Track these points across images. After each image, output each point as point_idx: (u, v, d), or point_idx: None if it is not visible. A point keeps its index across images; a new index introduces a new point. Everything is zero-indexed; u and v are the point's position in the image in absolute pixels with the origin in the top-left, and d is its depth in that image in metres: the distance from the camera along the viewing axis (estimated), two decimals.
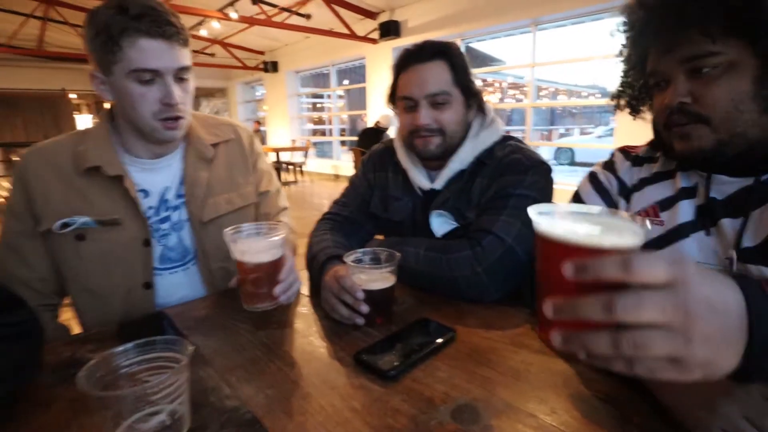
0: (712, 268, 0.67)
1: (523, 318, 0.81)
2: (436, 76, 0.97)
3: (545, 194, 0.96)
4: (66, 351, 0.72)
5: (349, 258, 0.79)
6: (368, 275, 0.78)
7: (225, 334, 0.77)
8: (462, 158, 1.01)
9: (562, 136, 18.33)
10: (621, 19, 0.75)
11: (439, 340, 0.70)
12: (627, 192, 0.83)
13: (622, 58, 0.80)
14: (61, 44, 10.57)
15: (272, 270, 0.76)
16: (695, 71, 0.64)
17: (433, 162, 1.05)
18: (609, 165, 0.89)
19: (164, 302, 0.99)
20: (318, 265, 0.92)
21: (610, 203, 0.84)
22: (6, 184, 2.96)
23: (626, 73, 0.80)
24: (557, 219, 0.50)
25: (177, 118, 0.92)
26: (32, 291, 0.93)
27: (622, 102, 0.83)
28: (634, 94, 0.80)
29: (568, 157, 12.65)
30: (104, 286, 0.94)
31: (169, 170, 1.01)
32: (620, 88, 0.83)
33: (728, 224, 0.67)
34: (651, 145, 0.86)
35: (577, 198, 0.89)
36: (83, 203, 0.92)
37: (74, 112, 14.21)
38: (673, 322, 0.33)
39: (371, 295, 0.76)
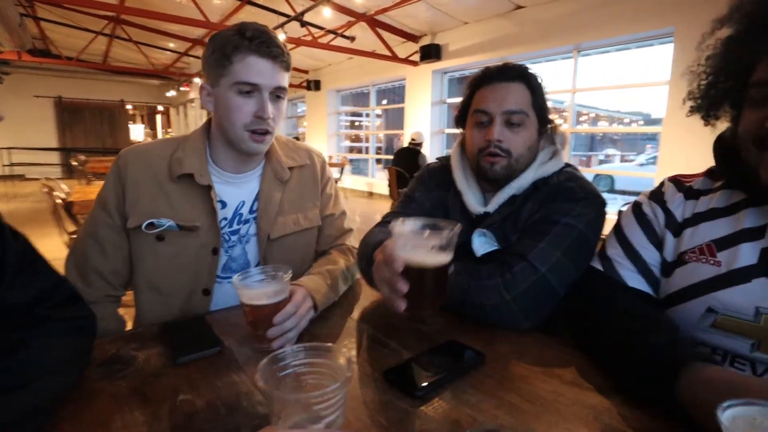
0: None
1: (557, 347, 0.79)
2: (515, 95, 0.96)
3: (594, 228, 0.91)
4: (111, 348, 0.77)
5: (398, 225, 0.66)
6: (416, 245, 0.65)
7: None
8: (519, 184, 0.98)
9: (602, 162, 17.80)
10: (730, 8, 0.66)
11: (469, 363, 0.69)
12: (677, 226, 0.78)
13: (710, 53, 0.71)
14: (123, 59, 11.44)
15: (270, 314, 0.75)
16: None
17: (491, 184, 1.03)
18: (657, 195, 0.83)
19: (217, 309, 1.03)
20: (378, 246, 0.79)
21: (653, 237, 0.79)
22: (65, 187, 3.19)
23: (713, 75, 0.71)
24: None
25: (265, 132, 0.98)
26: (103, 281, 1.01)
27: (693, 104, 0.75)
28: (712, 99, 0.72)
29: (608, 184, 12.21)
30: (170, 287, 1.02)
31: (248, 186, 1.08)
32: (699, 90, 0.74)
33: None
34: (709, 174, 0.80)
35: (617, 227, 0.86)
36: (168, 207, 1.00)
37: (129, 122, 15.16)
38: None
39: (415, 271, 0.64)
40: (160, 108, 17.45)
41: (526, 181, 0.98)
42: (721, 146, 0.76)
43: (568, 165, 1.03)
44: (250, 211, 1.08)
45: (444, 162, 1.15)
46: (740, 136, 0.67)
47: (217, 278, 1.05)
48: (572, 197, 0.93)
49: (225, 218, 1.05)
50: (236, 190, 1.07)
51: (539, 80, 0.99)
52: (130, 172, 1.00)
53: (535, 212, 0.95)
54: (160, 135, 18.46)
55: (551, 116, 1.03)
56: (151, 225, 0.98)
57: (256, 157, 1.07)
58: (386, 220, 1.11)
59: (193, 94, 12.86)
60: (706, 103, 0.73)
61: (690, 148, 4.49)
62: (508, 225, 0.98)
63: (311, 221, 1.15)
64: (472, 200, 1.03)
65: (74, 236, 2.82)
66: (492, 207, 1.00)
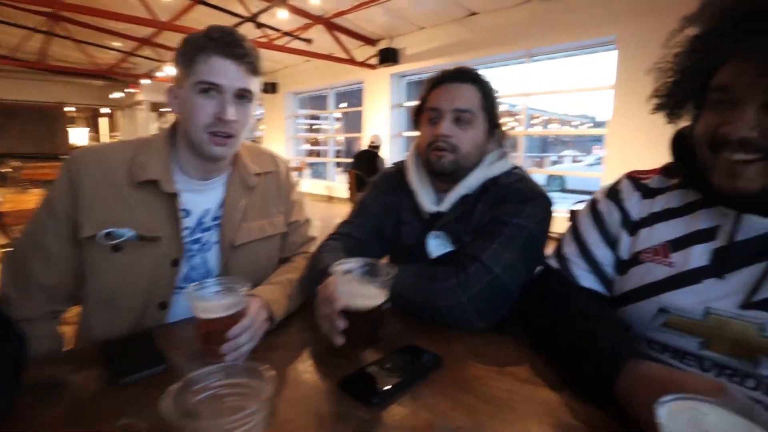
0: (723, 316, 0.64)
1: (511, 346, 0.81)
2: (465, 95, 1.01)
3: (542, 227, 0.96)
4: (44, 371, 0.71)
5: (339, 267, 0.72)
6: (354, 288, 0.71)
7: None
8: (469, 184, 1.02)
9: (554, 163, 18.63)
10: (700, 6, 0.65)
11: (426, 367, 0.69)
12: (632, 225, 0.78)
13: (678, 50, 0.70)
14: (64, 58, 10.70)
15: (224, 327, 0.72)
16: None
17: (442, 184, 1.06)
18: (613, 193, 0.84)
19: (169, 323, 0.98)
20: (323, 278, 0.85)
21: (607, 236, 0.81)
22: None
23: (679, 73, 0.70)
24: None
25: (227, 136, 0.93)
26: (45, 295, 0.92)
27: (658, 102, 0.74)
28: (678, 97, 0.72)
29: (559, 184, 12.81)
30: (125, 300, 0.94)
31: (213, 193, 1.03)
32: (664, 88, 0.73)
33: (749, 270, 0.63)
34: (665, 171, 0.81)
35: (574, 225, 0.87)
36: (128, 215, 0.92)
37: (68, 125, 14.22)
38: None
39: (353, 311, 0.70)
40: (105, 110, 16.50)
41: (476, 180, 1.02)
42: (679, 143, 0.76)
43: (516, 167, 1.07)
44: (213, 219, 1.03)
45: (399, 166, 1.18)
46: (696, 137, 0.68)
47: (176, 290, 0.98)
48: (521, 198, 0.96)
49: (188, 227, 0.99)
50: (201, 198, 1.01)
51: (491, 86, 1.04)
52: (85, 176, 0.92)
53: (486, 213, 0.98)
54: (104, 139, 17.47)
55: (503, 121, 1.07)
56: (109, 235, 0.90)
57: (222, 163, 1.02)
58: (340, 231, 1.12)
59: (142, 96, 12.26)
60: (671, 101, 0.73)
61: (634, 149, 4.79)
62: (461, 226, 1.01)
63: (276, 228, 1.12)
64: (426, 199, 1.06)
65: (6, 249, 2.59)
66: (444, 206, 1.03)
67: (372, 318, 0.72)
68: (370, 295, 0.71)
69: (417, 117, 1.11)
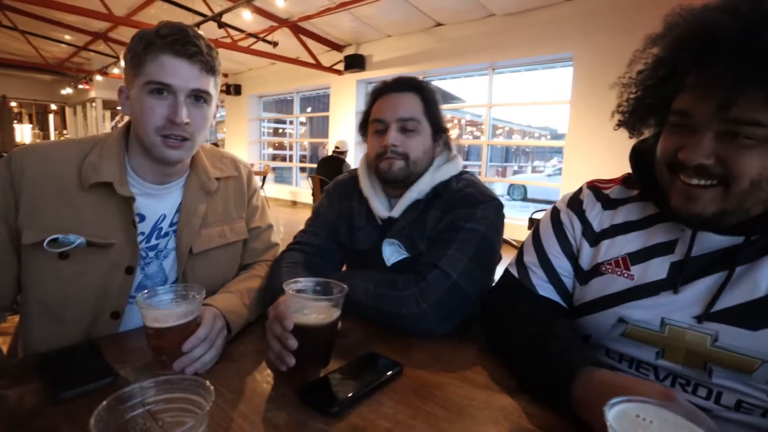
0: (679, 327, 0.66)
1: (471, 353, 0.82)
2: (408, 104, 1.03)
3: (495, 230, 0.98)
4: None
5: (290, 286, 0.70)
6: (306, 306, 0.69)
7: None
8: (420, 188, 1.04)
9: (516, 172, 19.24)
10: (664, 27, 0.66)
11: (386, 375, 0.69)
12: (594, 236, 0.80)
13: (641, 68, 0.70)
14: (7, 49, 10.01)
15: (177, 337, 0.69)
16: (730, 134, 0.58)
17: (394, 190, 1.07)
18: (575, 204, 0.84)
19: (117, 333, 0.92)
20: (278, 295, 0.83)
21: (568, 247, 0.82)
22: None
23: (641, 90, 0.71)
24: None
25: (181, 139, 0.88)
26: None
27: (621, 119, 0.75)
28: (640, 114, 0.72)
29: (521, 193, 13.25)
30: (72, 311, 0.87)
31: (169, 197, 0.98)
32: (627, 104, 0.74)
33: (705, 282, 0.65)
34: (625, 182, 0.82)
35: (535, 233, 0.88)
36: (76, 220, 0.86)
37: (14, 121, 13.29)
38: None
39: (305, 330, 0.67)
40: (54, 107, 15.56)
41: (426, 185, 1.04)
42: (637, 157, 0.77)
43: (466, 172, 1.10)
44: (170, 224, 0.98)
45: (352, 173, 1.19)
46: (657, 156, 0.68)
47: (130, 299, 0.93)
48: (472, 202, 0.99)
49: (143, 233, 0.94)
50: (156, 203, 0.96)
51: (432, 92, 1.07)
52: (27, 177, 0.84)
53: (440, 219, 1.00)
54: (53, 136, 16.44)
55: (449, 125, 1.10)
56: (55, 241, 0.83)
57: (179, 167, 0.97)
58: (299, 241, 1.12)
59: (94, 93, 11.64)
60: (633, 117, 0.73)
61: (589, 161, 5.03)
62: (415, 232, 1.03)
63: (238, 234, 1.08)
64: (378, 205, 1.07)
65: None
66: (396, 212, 1.05)
67: (324, 336, 0.70)
68: (322, 313, 0.69)
69: (363, 128, 1.13)
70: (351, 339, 0.85)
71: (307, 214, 1.27)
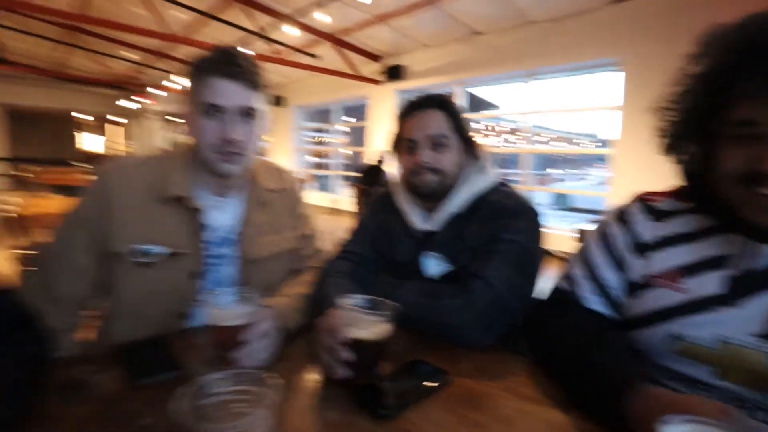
0: (740, 345, 0.64)
1: (517, 365, 0.82)
2: (436, 121, 1.06)
3: (533, 239, 0.99)
4: (67, 371, 0.73)
5: (344, 301, 0.74)
6: (359, 321, 0.72)
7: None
8: (456, 202, 1.05)
9: (557, 180, 18.67)
10: (704, 45, 0.67)
11: (433, 383, 0.71)
12: (643, 248, 0.78)
13: (680, 89, 0.70)
14: (79, 67, 10.93)
15: (237, 336, 0.74)
16: None
17: (430, 203, 1.10)
18: (622, 216, 0.83)
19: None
20: (320, 312, 0.85)
21: (616, 259, 0.80)
22: (16, 199, 2.97)
23: (684, 112, 0.71)
24: None
25: (235, 154, 0.95)
26: (68, 306, 0.95)
27: (666, 141, 0.74)
28: (683, 136, 0.72)
29: (563, 203, 12.83)
30: (148, 312, 0.96)
31: (231, 208, 1.06)
32: (670, 127, 0.73)
33: (764, 298, 0.63)
34: (676, 195, 0.80)
35: (583, 247, 0.87)
36: (156, 230, 0.95)
37: (82, 132, 14.40)
38: None
39: (356, 343, 0.70)
40: (114, 118, 16.71)
41: (463, 198, 1.06)
42: (690, 178, 0.76)
43: (503, 183, 1.11)
44: (233, 234, 1.06)
45: (390, 188, 1.22)
46: (722, 174, 0.65)
47: (195, 302, 1.01)
48: (509, 214, 1.00)
49: (208, 242, 1.02)
50: (219, 214, 1.04)
51: (457, 107, 1.09)
52: (116, 192, 0.94)
53: (479, 232, 1.02)
54: (118, 146, 17.62)
55: (477, 137, 1.12)
56: (139, 251, 0.93)
57: (237, 180, 1.05)
58: (345, 249, 1.15)
59: (154, 106, 12.42)
60: (675, 140, 0.73)
61: (641, 170, 4.80)
62: (455, 245, 1.04)
63: (290, 242, 1.15)
64: (415, 218, 1.10)
65: (23, 252, 2.62)
66: (435, 225, 1.07)
67: (374, 351, 0.72)
68: (374, 329, 0.72)
69: (394, 147, 1.16)
70: (397, 346, 0.88)
71: (346, 221, 1.32)
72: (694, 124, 0.69)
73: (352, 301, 0.75)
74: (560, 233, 5.19)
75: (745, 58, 0.60)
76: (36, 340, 0.67)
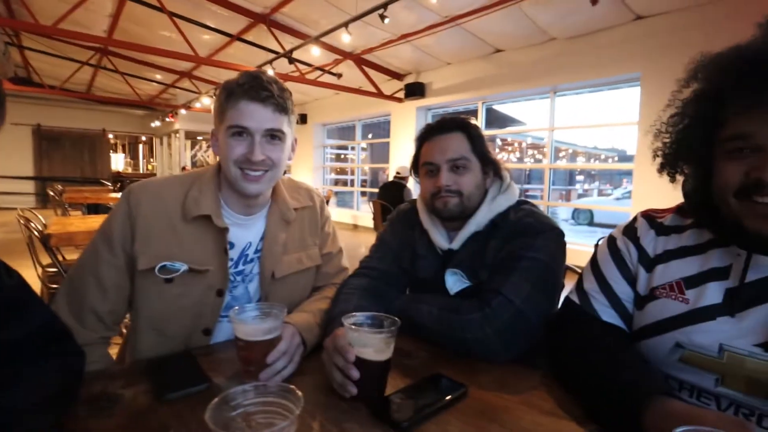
0: (739, 354, 0.65)
1: (536, 379, 0.82)
2: (455, 144, 1.07)
3: (555, 258, 0.99)
4: (97, 384, 0.76)
5: (347, 320, 0.75)
6: (365, 341, 0.73)
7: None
8: (478, 221, 1.06)
9: (580, 196, 18.33)
10: (693, 68, 0.70)
11: (452, 396, 0.72)
12: (649, 262, 0.81)
13: (673, 112, 0.74)
14: (108, 89, 11.47)
15: (262, 350, 0.77)
16: None
17: (452, 223, 1.11)
18: (630, 231, 0.86)
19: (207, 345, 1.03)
20: (332, 329, 0.88)
21: (627, 272, 0.83)
22: (41, 218, 3.13)
23: (677, 133, 0.74)
24: None
25: (260, 175, 0.99)
26: (100, 322, 0.97)
27: (662, 161, 0.78)
28: (678, 156, 0.75)
29: (587, 218, 12.59)
30: (174, 328, 1.00)
31: (254, 227, 1.09)
32: (665, 148, 0.76)
33: (763, 309, 0.65)
34: (679, 211, 0.83)
35: (594, 261, 0.89)
36: (180, 248, 0.98)
37: (110, 152, 15.02)
38: None
39: (366, 362, 0.72)
40: (143, 138, 17.40)
41: (484, 217, 1.07)
42: (690, 198, 0.79)
43: (525, 202, 1.11)
44: (255, 251, 1.09)
45: (413, 204, 1.24)
46: (719, 189, 0.68)
47: (219, 318, 1.04)
48: (532, 232, 1.00)
49: (232, 259, 1.05)
50: (244, 232, 1.07)
51: (476, 128, 1.10)
52: (142, 211, 0.98)
53: (500, 249, 1.02)
54: (141, 165, 18.32)
55: (500, 153, 1.12)
56: (164, 268, 0.97)
57: (261, 199, 1.07)
58: (364, 266, 1.17)
59: (178, 125, 12.88)
60: (671, 160, 0.76)
61: (662, 183, 4.70)
62: (475, 262, 1.05)
63: (313, 260, 1.17)
64: (438, 237, 1.11)
65: (49, 269, 2.74)
66: (456, 244, 1.08)
67: (382, 367, 0.74)
68: (380, 346, 0.73)
69: (415, 169, 1.18)
70: (416, 360, 0.89)
71: (367, 237, 1.34)
72: (687, 146, 0.72)
73: (354, 319, 0.77)
74: (584, 249, 5.10)
75: (733, 76, 0.62)
76: (73, 354, 0.70)
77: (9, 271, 0.66)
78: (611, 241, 0.88)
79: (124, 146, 18.26)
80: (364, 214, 9.75)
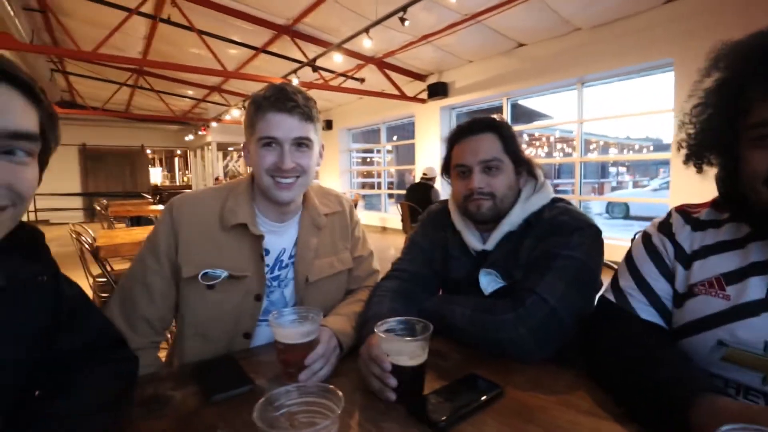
0: None
1: (571, 378, 0.82)
2: (487, 145, 1.06)
3: (591, 256, 0.97)
4: (149, 387, 0.82)
5: (380, 328, 0.76)
6: (400, 348, 0.74)
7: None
8: (512, 221, 1.06)
9: (614, 189, 17.71)
10: (714, 58, 0.70)
11: (487, 396, 0.73)
12: (686, 258, 0.79)
13: (696, 102, 0.73)
14: (144, 107, 12.03)
15: (300, 352, 0.81)
16: None
17: (485, 224, 1.10)
18: (665, 227, 0.85)
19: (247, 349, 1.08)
20: (367, 332, 0.90)
21: (664, 269, 0.81)
22: (90, 231, 3.32)
23: (702, 123, 0.73)
24: None
25: (290, 180, 1.02)
26: (151, 328, 1.04)
27: (687, 152, 0.77)
28: (704, 147, 0.74)
29: (622, 211, 12.13)
30: (216, 333, 1.05)
31: (288, 234, 1.14)
32: (690, 139, 0.75)
33: None
34: (714, 205, 0.82)
35: (629, 258, 0.87)
36: (220, 256, 1.04)
37: (149, 166, 15.73)
38: None
39: (400, 371, 0.73)
40: (178, 152, 18.11)
41: (518, 216, 1.06)
42: (722, 187, 0.77)
43: (559, 200, 1.09)
44: (289, 257, 1.13)
45: (444, 204, 1.24)
46: (747, 177, 0.66)
47: (258, 322, 1.09)
48: (567, 230, 0.99)
49: (267, 265, 1.09)
50: (278, 239, 1.12)
51: (508, 128, 1.09)
52: (184, 222, 1.03)
53: (534, 248, 1.01)
54: (177, 177, 19.06)
55: (529, 148, 1.11)
56: (206, 275, 1.02)
57: (293, 206, 1.11)
58: (395, 268, 1.18)
59: (210, 138, 13.34)
60: (696, 151, 0.75)
61: (703, 174, 4.50)
62: (510, 262, 1.04)
63: (344, 263, 1.21)
64: (471, 238, 1.10)
65: (99, 279, 2.91)
66: (490, 245, 1.07)
67: (418, 372, 0.76)
68: (414, 353, 0.74)
69: (446, 171, 1.17)
70: (450, 361, 0.90)
71: (396, 238, 1.35)
72: (712, 135, 0.71)
73: (387, 326, 0.78)
74: (620, 244, 4.93)
75: (755, 63, 0.62)
76: (128, 359, 0.75)
77: (70, 283, 0.71)
78: (646, 237, 0.87)
79: (161, 160, 19.11)
80: (391, 216, 9.78)
